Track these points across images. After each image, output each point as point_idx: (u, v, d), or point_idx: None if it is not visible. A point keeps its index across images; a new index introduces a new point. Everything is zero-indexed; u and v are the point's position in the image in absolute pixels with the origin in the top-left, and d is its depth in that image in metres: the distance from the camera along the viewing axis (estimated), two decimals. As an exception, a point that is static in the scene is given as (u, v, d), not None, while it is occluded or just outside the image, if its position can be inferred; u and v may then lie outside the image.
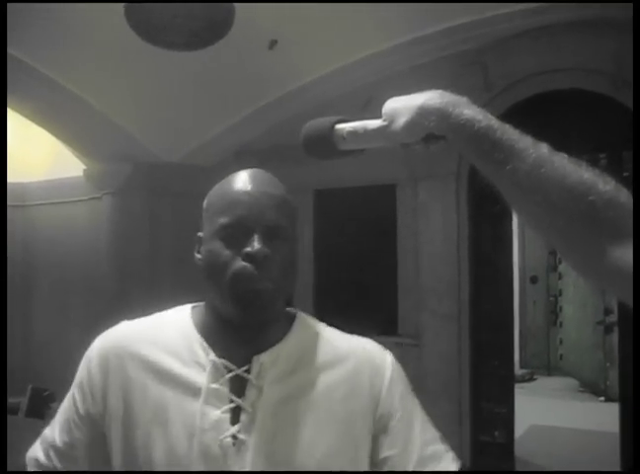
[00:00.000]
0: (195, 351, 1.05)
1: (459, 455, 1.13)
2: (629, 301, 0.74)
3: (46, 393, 6.35)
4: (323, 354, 1.09)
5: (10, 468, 2.58)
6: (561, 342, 7.98)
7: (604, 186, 0.74)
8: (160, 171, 5.37)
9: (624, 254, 0.72)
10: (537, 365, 8.27)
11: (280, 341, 1.06)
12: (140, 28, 3.40)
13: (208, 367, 1.02)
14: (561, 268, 7.78)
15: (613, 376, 6.01)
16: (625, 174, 3.79)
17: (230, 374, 1.02)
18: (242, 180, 1.06)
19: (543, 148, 0.80)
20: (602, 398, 6.71)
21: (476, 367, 4.42)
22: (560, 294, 7.91)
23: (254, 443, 0.99)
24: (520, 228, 6.77)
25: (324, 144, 1.00)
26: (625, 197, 0.74)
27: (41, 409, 6.31)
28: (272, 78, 4.59)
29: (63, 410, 1.11)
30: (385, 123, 0.94)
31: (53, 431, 1.11)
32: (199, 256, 1.08)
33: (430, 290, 4.50)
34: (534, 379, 7.98)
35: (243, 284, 0.99)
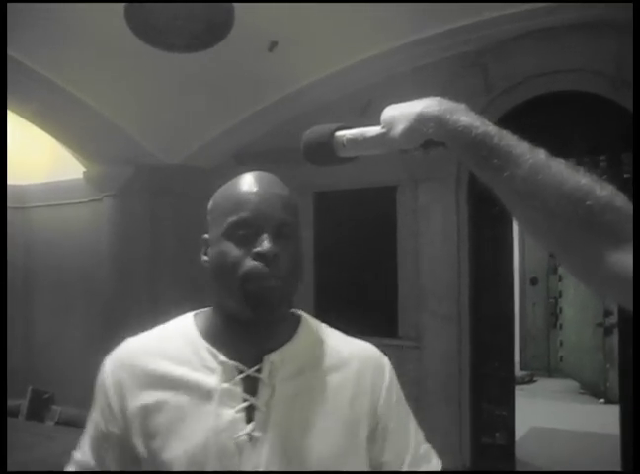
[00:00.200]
0: (202, 356, 1.07)
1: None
2: (627, 305, 0.75)
3: (47, 395, 6.35)
4: (329, 355, 1.12)
5: (10, 469, 2.58)
6: (561, 344, 7.98)
7: (601, 191, 0.74)
8: (161, 173, 5.38)
9: (622, 258, 0.72)
10: (538, 367, 8.26)
11: (287, 341, 1.10)
12: (140, 29, 3.40)
13: (219, 369, 1.05)
14: (561, 270, 7.78)
15: (614, 378, 6.01)
16: (625, 175, 3.80)
17: (242, 375, 1.05)
18: (248, 181, 1.08)
19: (541, 154, 0.80)
20: (603, 400, 6.70)
21: (476, 369, 4.42)
22: (560, 296, 7.90)
23: (269, 441, 1.02)
24: (521, 230, 6.75)
25: (324, 151, 1.01)
26: (622, 201, 0.74)
27: (42, 411, 6.31)
28: (271, 80, 4.60)
29: (90, 433, 1.14)
30: (384, 131, 0.95)
31: (84, 453, 1.14)
32: (206, 257, 1.11)
33: (430, 292, 4.50)
34: (535, 381, 7.98)
35: (254, 283, 1.01)
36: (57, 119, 5.00)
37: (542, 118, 4.16)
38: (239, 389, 1.04)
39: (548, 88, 4.12)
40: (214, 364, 1.06)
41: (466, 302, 4.45)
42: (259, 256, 1.01)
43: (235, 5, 3.29)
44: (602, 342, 6.69)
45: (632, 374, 3.90)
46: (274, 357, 1.06)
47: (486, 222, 4.45)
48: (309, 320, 1.18)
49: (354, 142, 1.00)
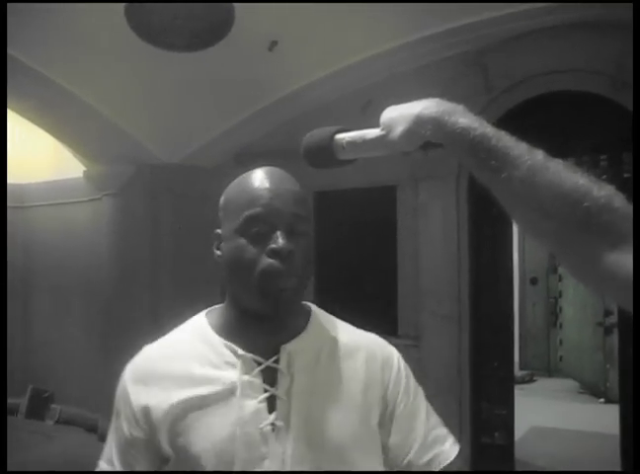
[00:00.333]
0: (221, 352, 1.10)
1: (459, 457, 1.17)
2: (625, 305, 0.75)
3: (46, 394, 6.35)
4: (340, 345, 1.16)
5: (10, 468, 2.57)
6: (561, 343, 7.98)
7: (599, 191, 0.75)
8: (161, 172, 5.38)
9: (619, 258, 0.72)
10: (537, 367, 8.26)
11: (302, 331, 1.14)
12: (140, 29, 3.41)
13: (239, 363, 1.08)
14: (561, 269, 7.77)
15: (613, 378, 6.01)
16: (626, 175, 3.80)
17: (261, 366, 1.08)
18: (261, 177, 1.10)
19: (539, 155, 0.80)
20: (603, 399, 6.70)
21: (476, 369, 4.42)
22: (560, 296, 7.89)
23: (291, 429, 1.06)
24: (521, 230, 6.77)
25: (324, 154, 1.03)
26: (620, 201, 0.74)
27: (42, 410, 6.31)
28: (272, 80, 4.60)
29: (115, 441, 1.15)
30: (383, 133, 0.96)
31: (111, 462, 1.15)
32: (218, 252, 1.13)
33: (430, 291, 4.50)
34: (534, 381, 7.98)
35: (271, 281, 1.03)
36: (57, 118, 5.00)
37: (543, 117, 4.16)
38: (259, 380, 1.08)
39: (548, 88, 4.12)
40: (234, 359, 1.08)
41: (466, 301, 4.45)
42: (274, 253, 1.03)
43: (235, 4, 3.29)
44: (602, 341, 6.69)
45: (632, 374, 3.90)
46: (290, 347, 1.10)
47: (486, 221, 4.45)
48: (319, 312, 1.21)
49: (353, 145, 1.01)
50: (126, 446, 1.13)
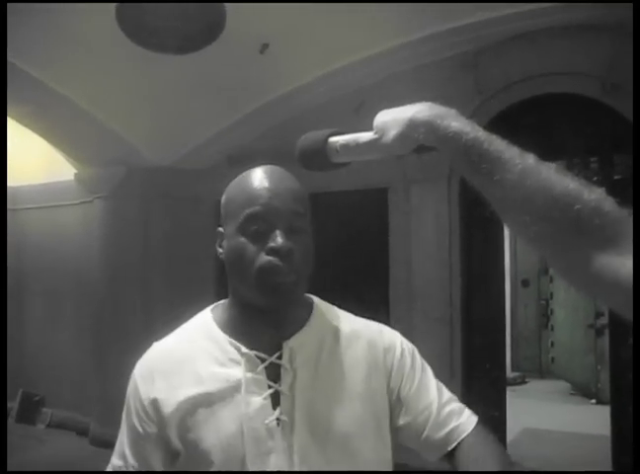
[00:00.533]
0: (226, 350, 1.13)
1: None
2: (614, 307, 0.76)
3: (37, 398, 6.31)
4: (342, 336, 1.19)
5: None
6: (552, 345, 8.00)
7: (590, 195, 0.75)
8: (153, 175, 5.36)
9: (608, 261, 0.73)
10: (529, 369, 8.28)
11: (303, 326, 1.16)
12: (132, 31, 3.39)
13: (243, 360, 1.11)
14: (552, 271, 7.80)
15: (604, 379, 6.03)
16: (616, 177, 3.81)
17: (265, 363, 1.11)
18: (260, 175, 1.11)
19: (530, 159, 0.81)
20: (594, 401, 6.72)
21: (468, 371, 4.43)
22: (551, 298, 7.92)
23: (296, 423, 1.09)
24: (512, 233, 6.79)
25: (318, 157, 1.04)
26: (610, 205, 0.75)
27: (32, 414, 6.27)
28: (264, 82, 4.60)
29: (128, 438, 1.17)
30: (377, 136, 0.97)
31: (125, 458, 1.16)
32: (220, 249, 1.14)
33: (422, 294, 4.50)
34: (526, 382, 7.99)
35: (269, 278, 1.06)
36: (48, 121, 4.98)
37: (534, 119, 4.18)
38: (263, 377, 1.10)
39: (540, 90, 4.14)
40: (238, 356, 1.11)
41: (458, 304, 4.46)
42: (273, 251, 1.05)
43: (227, 7, 3.28)
44: (594, 343, 6.72)
45: (633, 375, 3.91)
46: (292, 343, 1.12)
47: (478, 223, 4.46)
48: (321, 304, 1.24)
49: (347, 148, 1.02)
50: (140, 441, 1.15)
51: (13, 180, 6.32)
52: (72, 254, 5.95)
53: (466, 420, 1.16)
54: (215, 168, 5.23)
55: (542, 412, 6.41)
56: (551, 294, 7.90)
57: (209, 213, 4.76)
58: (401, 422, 1.16)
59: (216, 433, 1.08)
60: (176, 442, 1.11)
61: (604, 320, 5.97)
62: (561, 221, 0.76)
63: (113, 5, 3.21)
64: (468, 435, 1.14)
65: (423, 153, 0.97)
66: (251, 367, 1.10)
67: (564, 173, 0.79)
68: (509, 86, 4.25)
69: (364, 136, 1.00)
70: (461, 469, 1.11)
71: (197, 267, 5.28)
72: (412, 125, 0.91)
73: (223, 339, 1.14)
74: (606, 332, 5.39)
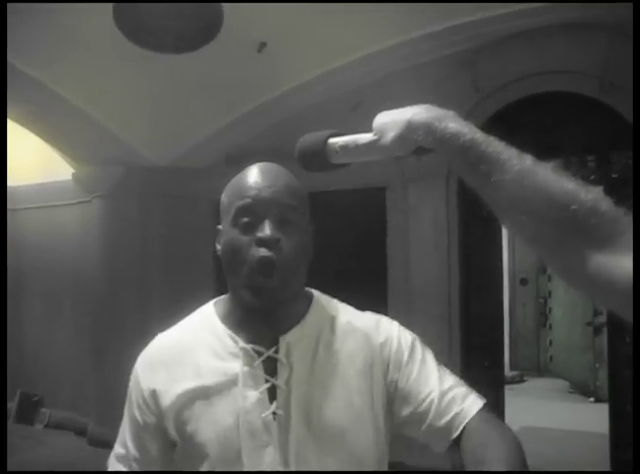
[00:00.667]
0: (225, 343, 1.14)
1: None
2: (610, 307, 0.77)
3: (36, 398, 6.30)
4: (340, 329, 1.19)
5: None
6: (551, 343, 8.01)
7: (586, 195, 0.76)
8: (151, 174, 5.36)
9: (604, 261, 0.73)
10: (527, 367, 8.29)
11: (301, 320, 1.16)
12: (129, 30, 3.39)
13: (241, 354, 1.12)
14: (550, 270, 7.80)
15: (603, 377, 6.03)
16: (614, 175, 3.82)
17: (262, 357, 1.11)
18: (255, 171, 1.14)
19: (527, 160, 0.82)
20: (592, 399, 6.73)
21: (466, 369, 4.43)
22: (550, 296, 7.93)
23: (292, 417, 1.09)
24: (510, 233, 6.79)
25: (318, 158, 1.05)
26: (607, 205, 0.75)
27: (31, 414, 6.27)
28: (262, 81, 4.59)
29: (129, 427, 1.20)
30: (376, 138, 0.98)
31: (127, 448, 1.19)
32: (218, 246, 1.16)
33: (420, 292, 4.50)
34: (524, 381, 8.00)
35: (259, 270, 1.07)
36: (46, 121, 4.97)
37: (532, 118, 4.18)
38: (260, 371, 1.11)
39: (537, 88, 4.14)
40: (237, 350, 1.12)
41: (456, 302, 4.46)
42: (261, 241, 1.07)
43: (225, 5, 3.28)
44: (592, 341, 6.73)
45: (633, 374, 3.92)
46: (289, 337, 1.13)
47: (476, 222, 4.46)
48: (321, 298, 1.24)
49: (346, 149, 1.03)
50: (139, 431, 1.17)
51: (10, 180, 6.31)
52: (70, 254, 5.95)
53: (470, 405, 1.13)
54: (214, 167, 5.23)
55: (541, 410, 6.42)
56: (549, 293, 7.90)
57: (208, 212, 4.76)
58: (403, 413, 1.15)
59: (213, 426, 1.10)
60: (173, 434, 1.13)
61: (603, 318, 5.98)
62: (558, 221, 0.76)
63: (111, 5, 3.21)
64: (472, 420, 1.10)
65: (421, 154, 0.97)
66: (248, 361, 1.11)
67: (561, 173, 0.79)
68: (506, 84, 4.25)
69: (364, 138, 1.01)
70: (467, 455, 1.06)
71: (195, 266, 5.27)
72: (410, 127, 0.92)
73: (224, 332, 1.15)
74: (605, 330, 5.40)
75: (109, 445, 1.26)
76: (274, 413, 1.09)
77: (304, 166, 1.06)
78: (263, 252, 1.06)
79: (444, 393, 1.13)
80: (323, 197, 4.98)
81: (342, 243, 4.98)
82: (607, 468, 4.01)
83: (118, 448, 1.21)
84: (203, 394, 1.11)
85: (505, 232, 4.96)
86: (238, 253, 1.08)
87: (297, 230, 1.12)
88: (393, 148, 0.97)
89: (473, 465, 1.04)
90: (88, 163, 5.48)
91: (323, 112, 4.61)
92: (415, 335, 1.24)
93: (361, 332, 1.19)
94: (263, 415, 1.09)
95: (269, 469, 1.08)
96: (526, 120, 4.18)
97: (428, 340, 1.24)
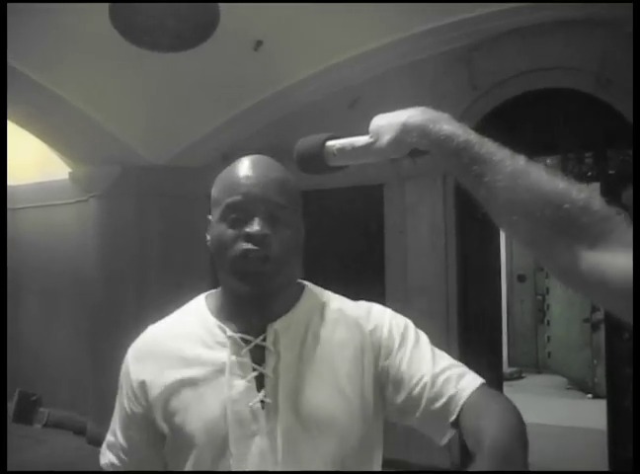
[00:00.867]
0: (214, 332, 1.14)
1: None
2: (605, 306, 0.79)
3: (34, 397, 6.30)
4: (330, 318, 1.18)
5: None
6: (549, 340, 8.02)
7: (578, 194, 0.77)
8: (148, 173, 5.36)
9: (596, 259, 0.73)
10: (525, 364, 8.30)
11: (290, 309, 1.17)
12: (125, 29, 3.39)
13: (229, 343, 1.12)
14: (548, 266, 7.81)
15: (601, 373, 6.04)
16: (610, 171, 3.82)
17: (249, 346, 1.12)
18: (245, 165, 1.15)
19: (520, 160, 0.83)
20: (590, 395, 6.75)
21: (464, 366, 4.43)
22: (547, 293, 7.94)
23: (280, 405, 1.09)
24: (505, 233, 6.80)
25: (316, 161, 1.07)
26: (599, 204, 0.76)
27: (29, 414, 6.26)
28: (258, 79, 4.59)
29: (119, 416, 1.22)
30: (372, 140, 1.00)
31: (116, 436, 1.21)
32: (208, 237, 1.17)
33: (417, 289, 4.51)
34: (523, 377, 8.01)
35: (243, 266, 1.08)
36: (43, 121, 4.96)
37: (529, 114, 4.18)
38: (248, 360, 1.11)
39: (534, 85, 4.14)
40: (224, 339, 1.13)
41: (454, 299, 4.47)
42: (249, 237, 1.07)
43: (220, 4, 3.28)
44: (590, 338, 6.74)
45: (633, 373, 3.93)
46: (277, 325, 1.13)
47: (473, 219, 4.47)
48: (313, 289, 1.25)
49: (343, 152, 1.05)
50: (128, 421, 1.19)
51: (8, 179, 6.31)
52: (68, 253, 5.94)
53: (466, 384, 1.08)
54: (210, 166, 5.21)
55: (539, 407, 6.42)
56: (547, 289, 7.92)
57: (205, 212, 4.74)
58: (398, 400, 1.12)
59: (201, 415, 1.09)
60: (162, 425, 1.13)
61: (600, 315, 5.99)
62: (551, 220, 0.77)
63: (106, 4, 3.21)
64: (469, 398, 1.06)
65: (417, 157, 1.00)
66: (236, 350, 1.11)
67: (554, 173, 0.80)
68: (504, 81, 4.24)
69: (360, 140, 1.03)
70: (466, 433, 1.03)
71: (192, 264, 5.27)
72: (405, 130, 0.94)
73: (213, 323, 1.16)
74: (602, 326, 5.41)
75: (108, 445, 1.27)
76: (262, 401, 1.09)
77: (302, 169, 1.08)
78: (249, 246, 1.07)
79: (437, 375, 1.10)
80: (321, 194, 4.99)
81: (339, 240, 4.98)
82: (605, 464, 4.01)
83: (109, 436, 1.23)
84: (191, 384, 1.11)
85: (502, 229, 4.96)
86: (226, 247, 1.09)
87: (287, 227, 1.12)
88: (389, 150, 0.99)
89: (471, 442, 1.01)
90: (85, 162, 5.47)
91: (320, 109, 4.61)
92: (408, 320, 1.22)
93: (352, 320, 1.18)
94: (250, 403, 1.09)
95: (257, 458, 1.07)
96: (524, 117, 4.18)
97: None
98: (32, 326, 6.40)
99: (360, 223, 4.91)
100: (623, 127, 3.58)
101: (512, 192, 0.81)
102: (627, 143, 3.61)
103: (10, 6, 2.58)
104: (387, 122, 0.98)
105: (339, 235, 4.99)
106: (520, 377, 7.95)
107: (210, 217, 1.17)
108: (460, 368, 1.14)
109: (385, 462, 1.23)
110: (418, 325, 1.25)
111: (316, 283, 1.29)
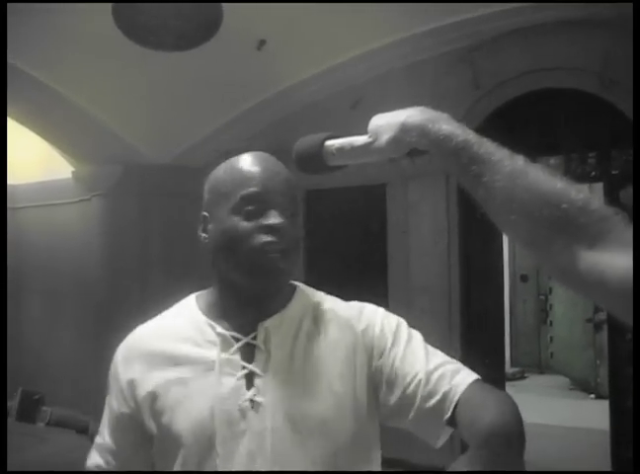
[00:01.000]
0: (204, 331, 1.13)
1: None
2: (602, 304, 0.78)
3: (37, 396, 6.29)
4: (322, 318, 1.18)
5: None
6: (551, 340, 8.01)
7: (577, 194, 0.76)
8: (151, 172, 5.36)
9: (598, 261, 0.73)
10: (528, 364, 8.29)
11: (282, 308, 1.16)
12: (128, 28, 3.39)
13: (219, 341, 1.11)
14: (550, 267, 7.79)
15: (603, 374, 6.04)
16: (614, 172, 3.82)
17: (239, 343, 1.11)
18: (252, 159, 1.14)
19: (519, 161, 0.83)
20: (593, 395, 6.74)
21: (467, 366, 4.42)
22: (550, 293, 7.93)
23: (270, 404, 1.07)
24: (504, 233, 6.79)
25: (315, 161, 1.06)
26: (596, 204, 0.76)
27: (32, 413, 6.26)
28: (261, 79, 4.59)
29: (107, 417, 1.21)
30: (371, 140, 1.00)
31: (104, 437, 1.20)
32: (204, 234, 1.16)
33: (420, 289, 4.50)
34: (525, 377, 8.01)
35: (263, 256, 1.07)
36: (46, 119, 4.96)
37: (532, 114, 4.18)
38: (238, 358, 1.10)
39: (537, 85, 4.13)
40: (214, 337, 1.12)
41: (457, 299, 4.46)
42: (269, 228, 1.07)
43: (224, 4, 3.28)
44: (592, 338, 6.73)
45: (633, 372, 3.92)
46: (268, 324, 1.12)
47: (476, 219, 4.46)
48: (305, 289, 1.24)
49: (342, 151, 1.04)
50: (115, 422, 1.18)
51: (10, 178, 6.31)
52: (70, 252, 5.94)
53: (461, 380, 1.07)
54: (213, 165, 5.18)
55: (542, 407, 6.42)
56: (550, 289, 7.90)
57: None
58: (392, 400, 1.11)
59: (189, 414, 1.08)
60: (150, 425, 1.12)
61: (603, 315, 5.98)
62: (550, 220, 0.77)
63: (109, 3, 3.21)
64: (464, 394, 1.04)
65: (415, 156, 1.00)
66: (225, 348, 1.11)
67: (552, 173, 0.80)
68: (506, 81, 4.24)
69: (359, 140, 1.02)
70: (462, 429, 1.01)
71: (195, 264, 5.27)
72: (404, 129, 0.94)
73: (203, 321, 1.15)
74: (605, 327, 5.40)
75: (110, 444, 1.26)
76: (251, 400, 1.08)
77: (302, 169, 1.08)
78: (270, 238, 1.07)
79: (431, 372, 1.08)
80: (323, 194, 4.99)
81: (342, 240, 4.98)
82: (608, 465, 4.01)
83: (98, 437, 1.23)
84: (180, 383, 1.10)
85: (505, 229, 4.95)
86: (241, 240, 1.08)
87: (295, 218, 1.13)
88: (388, 150, 0.98)
89: (467, 434, 0.99)
90: (88, 161, 5.48)
91: (322, 109, 4.61)
92: (401, 319, 1.21)
93: (344, 320, 1.18)
94: (239, 402, 1.07)
95: (245, 458, 1.05)
96: (527, 117, 4.17)
97: (428, 336, 1.23)
98: (34, 325, 6.40)
99: (363, 223, 4.91)
100: (626, 127, 3.57)
101: (510, 192, 0.80)
102: (630, 143, 3.60)
103: (10, 6, 2.58)
104: (386, 122, 0.98)
105: (341, 235, 4.99)
106: (522, 377, 7.95)
107: (206, 214, 1.16)
108: (454, 365, 1.12)
109: (386, 462, 1.22)
110: (420, 325, 1.24)
111: (318, 283, 1.29)
